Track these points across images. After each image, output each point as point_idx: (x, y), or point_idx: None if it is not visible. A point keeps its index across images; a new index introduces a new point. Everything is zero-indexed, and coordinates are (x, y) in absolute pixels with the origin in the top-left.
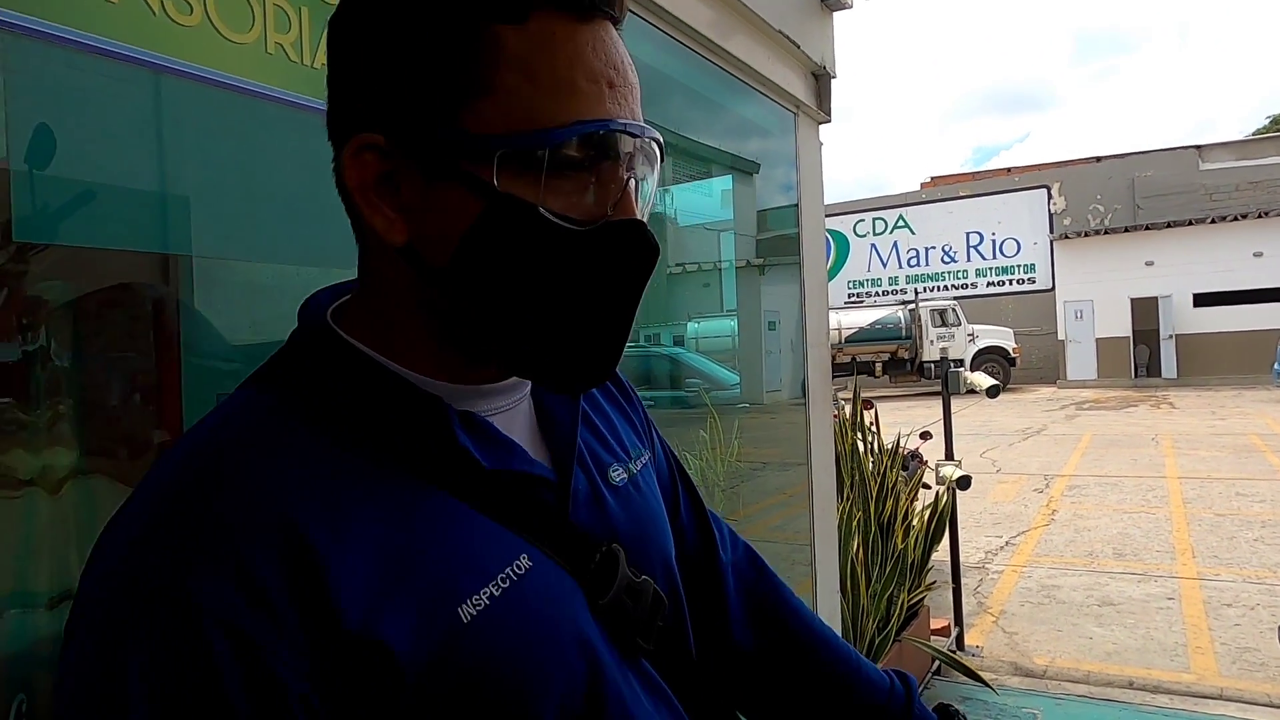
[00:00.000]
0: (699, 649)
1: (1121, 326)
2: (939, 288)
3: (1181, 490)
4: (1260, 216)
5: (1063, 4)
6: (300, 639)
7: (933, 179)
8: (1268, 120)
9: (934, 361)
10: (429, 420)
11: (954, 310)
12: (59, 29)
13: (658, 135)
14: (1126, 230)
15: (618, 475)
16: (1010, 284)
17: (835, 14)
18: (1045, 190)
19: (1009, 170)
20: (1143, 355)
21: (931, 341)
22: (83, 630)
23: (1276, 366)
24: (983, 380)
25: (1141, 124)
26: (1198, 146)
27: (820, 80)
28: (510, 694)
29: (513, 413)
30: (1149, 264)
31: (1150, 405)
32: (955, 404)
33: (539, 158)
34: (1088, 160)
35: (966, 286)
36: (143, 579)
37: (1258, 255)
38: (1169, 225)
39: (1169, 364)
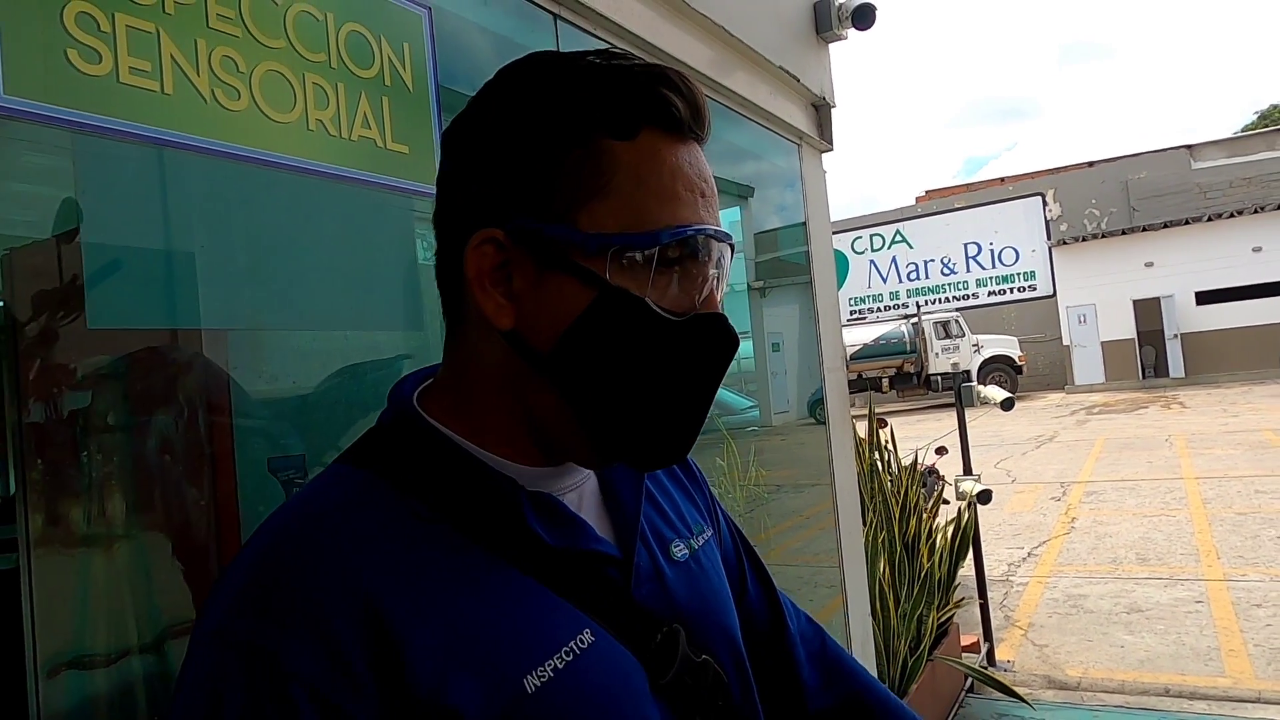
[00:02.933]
0: None
1: (1126, 329)
2: (940, 300)
3: (1200, 490)
4: (1256, 212)
5: (1042, 13)
6: (376, 704)
7: (927, 192)
8: (1256, 116)
9: (943, 374)
10: (502, 502)
11: (957, 321)
12: (119, 124)
13: (733, 240)
14: (1124, 233)
15: (679, 550)
16: (1011, 292)
17: (831, 45)
18: (1040, 197)
19: (1002, 179)
20: (1149, 356)
21: (936, 354)
22: (189, 681)
23: None
24: (996, 394)
25: (1129, 127)
26: (1189, 146)
27: (821, 110)
28: None
29: (581, 490)
30: (1148, 265)
31: (1161, 406)
32: (966, 415)
33: (647, 255)
34: (1080, 165)
35: (968, 297)
36: (241, 640)
37: (1257, 250)
38: (1166, 225)
39: (1176, 363)
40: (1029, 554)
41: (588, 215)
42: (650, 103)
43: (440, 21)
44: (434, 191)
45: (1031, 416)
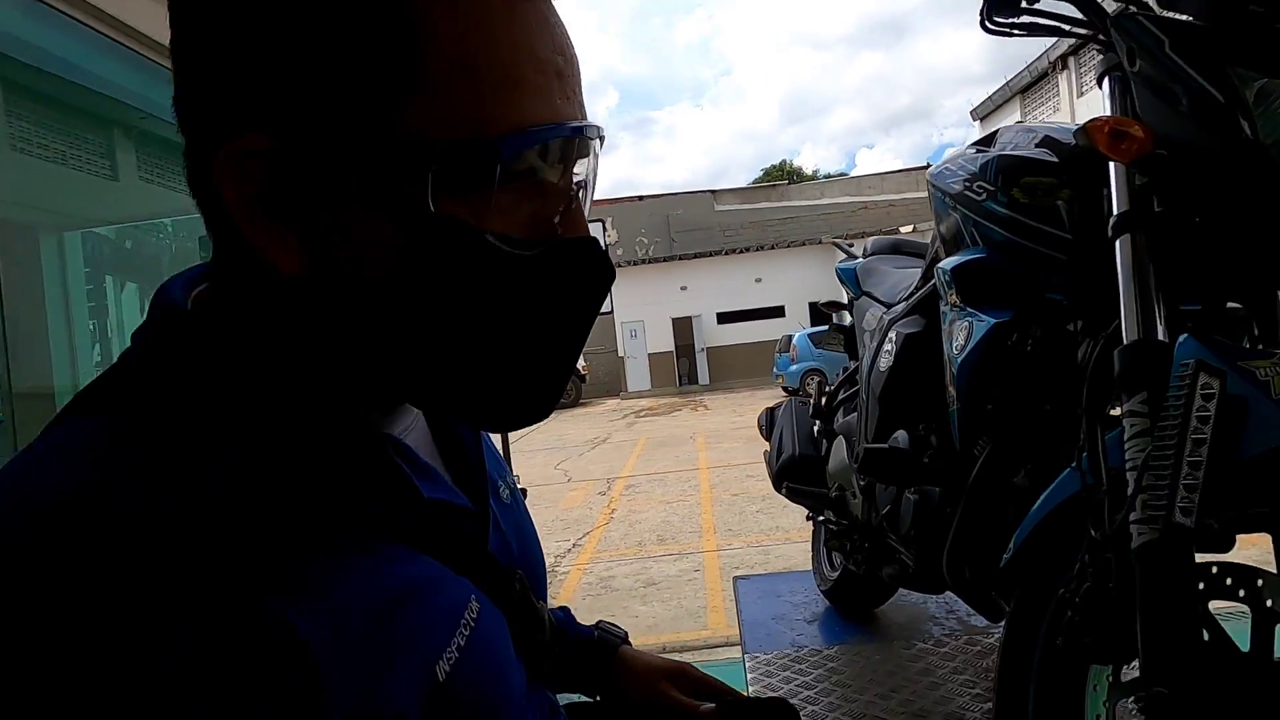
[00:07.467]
0: None
1: (667, 342)
2: None
3: (709, 478)
4: (759, 249)
5: (604, 61)
6: None
7: None
8: (762, 172)
9: None
10: (361, 446)
11: None
12: None
13: (603, 132)
14: (665, 260)
15: (504, 491)
16: None
17: None
18: (601, 224)
19: None
20: (684, 366)
21: None
22: None
23: (775, 370)
24: None
25: (674, 169)
26: (713, 191)
27: None
28: None
29: (416, 433)
30: (683, 288)
31: (691, 409)
32: None
33: (487, 173)
34: (633, 199)
35: None
36: None
37: (758, 281)
38: (696, 256)
39: (704, 372)
40: (574, 545)
41: (397, 116)
42: None
43: None
44: None
45: (591, 421)
